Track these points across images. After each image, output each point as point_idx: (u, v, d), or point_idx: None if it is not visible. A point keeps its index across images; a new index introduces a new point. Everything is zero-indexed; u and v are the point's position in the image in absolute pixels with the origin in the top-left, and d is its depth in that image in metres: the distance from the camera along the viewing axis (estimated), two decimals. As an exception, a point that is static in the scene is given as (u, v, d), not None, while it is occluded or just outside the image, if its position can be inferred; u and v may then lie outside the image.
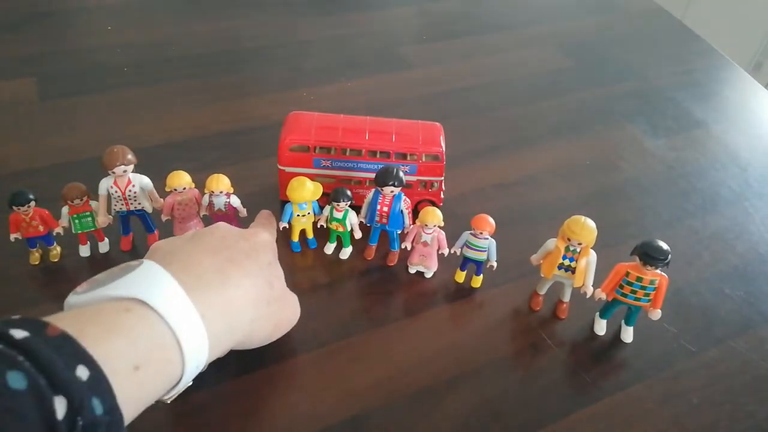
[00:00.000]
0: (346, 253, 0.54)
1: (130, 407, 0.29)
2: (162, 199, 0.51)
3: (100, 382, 0.26)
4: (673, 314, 0.50)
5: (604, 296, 0.47)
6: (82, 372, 0.26)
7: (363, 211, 0.53)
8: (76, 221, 0.49)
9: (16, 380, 0.24)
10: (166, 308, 0.32)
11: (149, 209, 0.52)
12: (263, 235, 0.44)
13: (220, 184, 0.50)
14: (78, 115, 0.67)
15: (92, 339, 0.28)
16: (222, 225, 0.43)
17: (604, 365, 0.47)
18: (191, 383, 0.35)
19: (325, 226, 0.53)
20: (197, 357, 0.33)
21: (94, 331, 0.29)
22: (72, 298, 0.33)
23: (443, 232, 0.50)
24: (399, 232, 0.53)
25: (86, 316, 0.30)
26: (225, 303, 0.37)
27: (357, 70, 0.79)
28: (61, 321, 0.28)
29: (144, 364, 0.30)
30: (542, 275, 0.48)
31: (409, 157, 0.54)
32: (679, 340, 0.49)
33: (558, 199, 0.62)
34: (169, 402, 0.35)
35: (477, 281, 0.51)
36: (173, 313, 0.32)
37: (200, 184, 0.51)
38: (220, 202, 0.51)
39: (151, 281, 0.33)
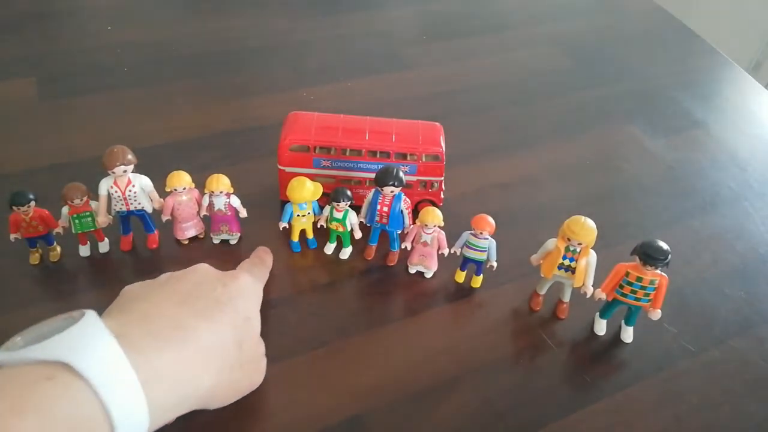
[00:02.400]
0: (346, 253, 0.54)
1: None
2: (162, 199, 0.51)
3: None
4: (673, 314, 0.50)
5: (604, 296, 0.47)
6: None
7: (363, 211, 0.53)
8: (76, 221, 0.49)
9: None
10: (97, 374, 0.27)
11: (149, 209, 0.52)
12: (245, 280, 0.40)
13: (220, 184, 0.50)
14: (78, 115, 0.67)
15: None
16: (201, 267, 0.39)
17: (604, 365, 0.47)
18: None
19: (325, 226, 0.53)
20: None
21: (1, 407, 0.25)
22: (1, 355, 0.28)
23: (443, 232, 0.50)
24: (399, 232, 0.53)
25: None
26: (180, 366, 0.32)
27: (357, 70, 0.79)
28: None
29: None
30: (542, 275, 0.48)
31: (409, 157, 0.54)
32: (679, 340, 0.49)
33: (558, 199, 0.62)
34: None
35: (477, 281, 0.51)
36: (104, 381, 0.27)
37: (200, 184, 0.51)
38: (220, 202, 0.51)
39: (84, 340, 0.28)
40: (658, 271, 0.44)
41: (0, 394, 0.26)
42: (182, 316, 0.34)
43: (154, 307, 0.34)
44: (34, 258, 0.50)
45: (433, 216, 0.49)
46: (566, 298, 0.50)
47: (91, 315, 0.30)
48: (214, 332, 0.35)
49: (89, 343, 0.29)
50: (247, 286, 0.40)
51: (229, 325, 0.36)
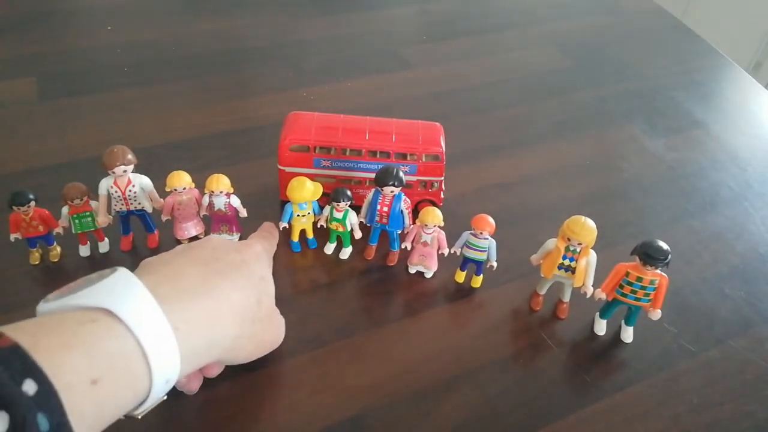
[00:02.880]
0: (346, 253, 0.54)
1: (86, 423, 0.28)
2: (162, 199, 0.51)
3: (48, 398, 0.25)
4: (673, 314, 0.50)
5: (604, 296, 0.47)
6: (30, 386, 0.25)
7: (363, 211, 0.53)
8: (76, 221, 0.49)
9: None
10: (134, 319, 0.30)
11: (149, 209, 0.52)
12: (256, 247, 0.43)
13: (220, 184, 0.50)
14: (78, 115, 0.67)
15: (46, 351, 0.26)
16: (214, 237, 0.42)
17: (604, 365, 0.47)
18: (165, 397, 0.34)
19: (325, 226, 0.53)
20: (166, 372, 0.32)
21: (50, 343, 0.27)
22: (41, 306, 0.31)
23: (443, 232, 0.50)
24: (399, 232, 0.53)
25: (46, 327, 0.29)
26: (207, 316, 0.35)
27: (357, 70, 0.79)
28: (17, 331, 0.27)
29: (103, 377, 0.28)
30: (542, 275, 0.48)
31: (409, 157, 0.54)
32: (679, 340, 0.49)
33: (558, 199, 0.62)
34: (140, 417, 0.33)
35: (477, 281, 0.51)
36: (142, 325, 0.30)
37: (200, 184, 0.51)
38: (220, 202, 0.51)
39: (121, 291, 0.32)
40: (658, 271, 0.44)
41: (48, 333, 0.28)
42: (204, 275, 0.37)
43: (178, 268, 0.37)
44: (34, 258, 0.50)
45: (433, 216, 0.49)
46: (566, 298, 0.50)
47: (123, 270, 0.34)
48: (236, 288, 0.38)
49: (127, 292, 0.32)
50: (259, 252, 0.43)
51: (248, 282, 0.39)
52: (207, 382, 0.42)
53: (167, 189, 0.50)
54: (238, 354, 0.39)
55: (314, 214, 0.53)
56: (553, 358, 0.47)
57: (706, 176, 0.67)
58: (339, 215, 0.51)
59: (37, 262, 0.50)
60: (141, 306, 0.32)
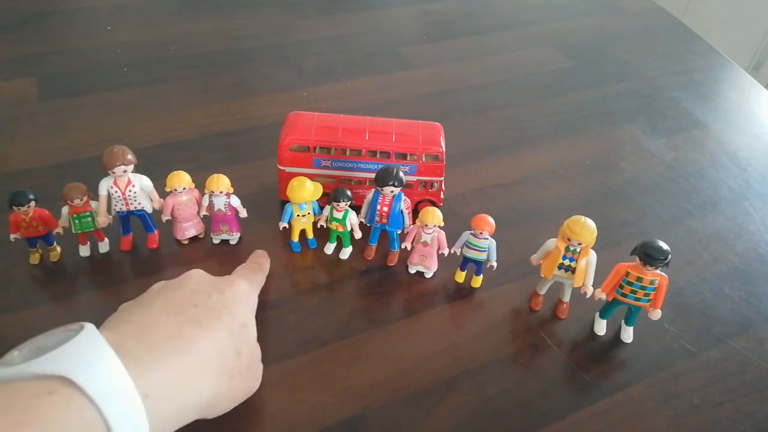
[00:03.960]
0: (346, 253, 0.54)
1: None
2: (162, 199, 0.51)
3: None
4: (673, 314, 0.50)
5: (604, 296, 0.47)
6: None
7: (363, 211, 0.53)
8: (76, 221, 0.49)
9: None
10: (97, 389, 0.27)
11: (149, 209, 0.52)
12: (241, 286, 0.40)
13: (220, 184, 0.50)
14: (78, 115, 0.67)
15: None
16: (195, 274, 0.39)
17: (604, 365, 0.47)
18: None
19: (325, 226, 0.53)
20: None
21: (2, 421, 0.25)
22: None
23: (443, 232, 0.50)
24: (399, 232, 0.53)
25: None
26: (180, 378, 0.32)
27: (357, 70, 0.79)
28: None
29: None
30: (542, 275, 0.48)
31: (409, 157, 0.54)
32: (679, 340, 0.49)
33: (558, 199, 0.62)
34: None
35: (477, 281, 0.51)
36: (105, 395, 0.27)
37: (200, 184, 0.51)
38: (220, 202, 0.51)
39: (83, 355, 0.28)
40: (658, 271, 0.44)
41: (1, 410, 0.25)
42: (179, 326, 0.34)
43: (151, 319, 0.34)
44: (34, 258, 0.50)
45: (433, 216, 0.49)
46: (566, 298, 0.50)
47: (89, 328, 0.30)
48: (212, 341, 0.35)
49: (89, 357, 0.28)
50: (242, 292, 0.40)
51: (227, 332, 0.36)
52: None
53: (167, 189, 0.50)
54: (212, 412, 0.37)
55: (314, 214, 0.53)
56: (553, 358, 0.47)
57: (706, 176, 0.67)
58: (339, 215, 0.51)
59: (37, 262, 0.50)
60: (106, 373, 0.28)
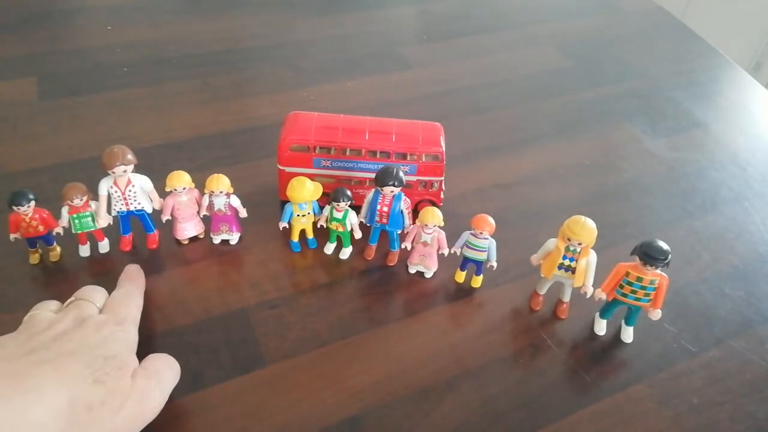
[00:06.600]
0: (346, 253, 0.54)
1: None
2: (162, 199, 0.51)
3: None
4: (673, 314, 0.50)
5: (604, 296, 0.47)
6: None
7: (363, 211, 0.53)
8: (76, 221, 0.49)
9: None
10: None
11: (149, 209, 0.52)
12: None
13: (220, 184, 0.50)
14: (78, 115, 0.67)
15: None
16: (43, 308, 0.39)
17: (604, 365, 0.47)
18: None
19: (325, 226, 0.53)
20: None
21: None
22: None
23: (443, 232, 0.50)
24: (399, 232, 0.53)
25: None
26: (14, 418, 0.30)
27: (357, 70, 0.79)
28: None
29: None
30: (542, 275, 0.48)
31: (409, 157, 0.54)
32: (679, 340, 0.49)
33: (558, 199, 0.62)
34: None
35: (477, 281, 0.51)
36: None
37: (200, 184, 0.51)
38: (220, 202, 0.51)
39: None
40: (658, 271, 0.44)
41: None
42: (13, 365, 0.33)
43: None
44: (34, 258, 0.50)
45: (433, 216, 0.49)
46: (566, 298, 0.50)
47: None
48: (58, 373, 0.33)
49: None
50: (101, 320, 0.39)
51: (80, 364, 0.34)
52: (206, 383, 0.42)
53: (167, 189, 0.50)
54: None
55: (314, 214, 0.53)
56: (553, 358, 0.47)
57: (706, 176, 0.67)
58: (339, 215, 0.51)
59: (37, 262, 0.50)
60: None
